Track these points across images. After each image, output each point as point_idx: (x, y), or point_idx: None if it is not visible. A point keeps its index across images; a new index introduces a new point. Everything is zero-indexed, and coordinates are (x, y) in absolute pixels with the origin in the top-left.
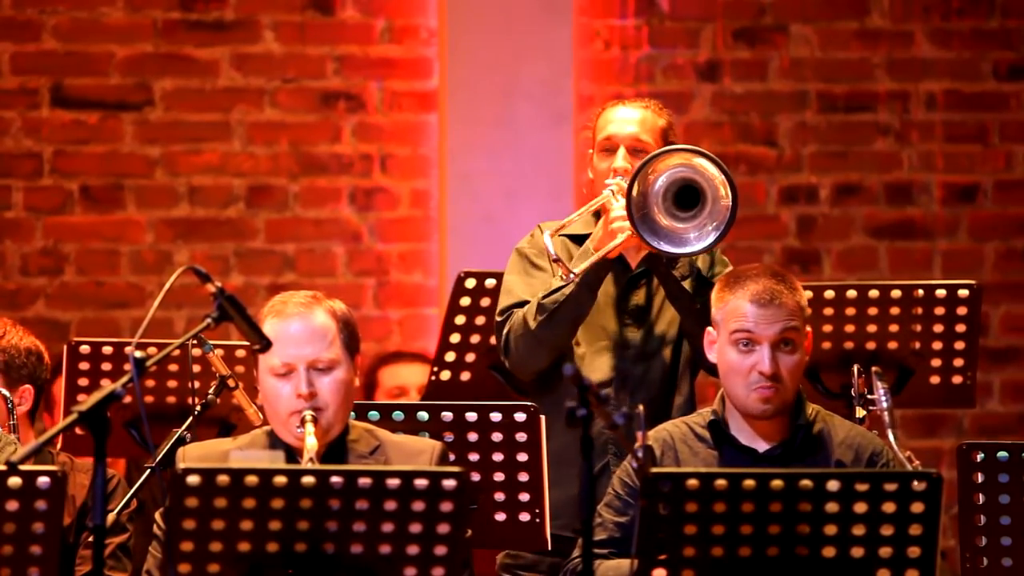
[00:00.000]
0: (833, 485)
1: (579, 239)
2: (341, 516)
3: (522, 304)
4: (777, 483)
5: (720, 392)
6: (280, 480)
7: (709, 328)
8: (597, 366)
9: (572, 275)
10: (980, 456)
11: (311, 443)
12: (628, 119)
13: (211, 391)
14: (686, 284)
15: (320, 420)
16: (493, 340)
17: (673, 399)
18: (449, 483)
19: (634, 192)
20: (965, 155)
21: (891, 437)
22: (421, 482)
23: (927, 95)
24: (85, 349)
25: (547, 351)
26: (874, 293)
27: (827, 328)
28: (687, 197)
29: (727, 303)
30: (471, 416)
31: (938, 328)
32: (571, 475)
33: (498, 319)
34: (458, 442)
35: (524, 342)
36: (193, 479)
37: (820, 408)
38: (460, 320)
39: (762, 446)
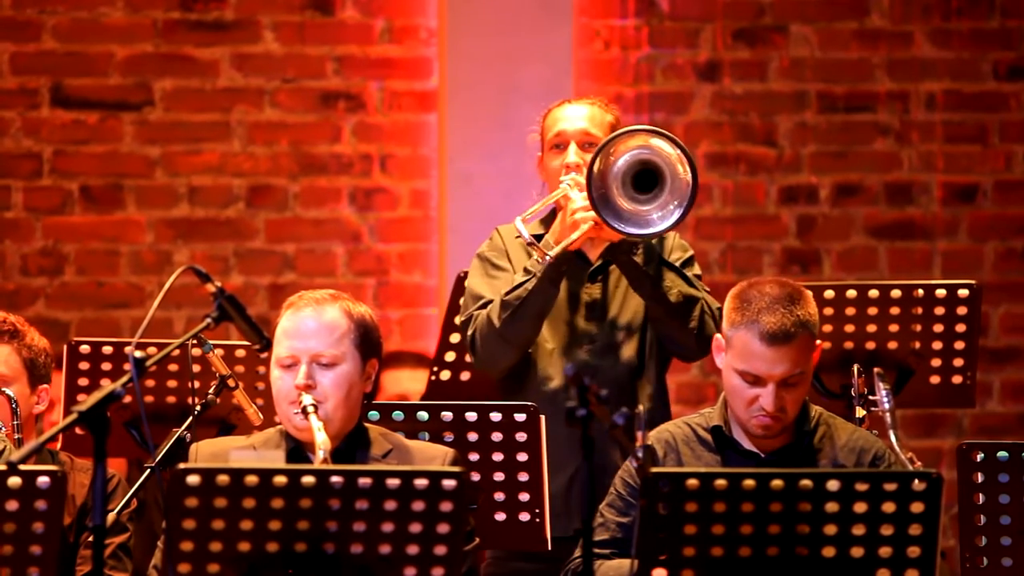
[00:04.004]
0: (833, 485)
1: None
2: (341, 516)
3: (487, 304)
4: (777, 483)
5: (722, 395)
6: (280, 480)
7: (717, 335)
8: (564, 362)
9: (548, 257)
10: (980, 456)
11: (322, 438)
12: (577, 115)
13: (211, 391)
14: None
15: (318, 412)
16: None
17: (642, 389)
18: (449, 483)
19: (594, 175)
20: (965, 155)
21: (893, 438)
22: (421, 482)
23: (927, 95)
24: (85, 349)
25: (513, 348)
26: (874, 293)
27: (827, 328)
28: (646, 180)
29: (737, 328)
30: (471, 416)
31: (938, 328)
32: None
33: (462, 319)
34: (458, 442)
35: (490, 340)
36: (193, 479)
37: (823, 411)
38: (460, 320)
39: (765, 451)
